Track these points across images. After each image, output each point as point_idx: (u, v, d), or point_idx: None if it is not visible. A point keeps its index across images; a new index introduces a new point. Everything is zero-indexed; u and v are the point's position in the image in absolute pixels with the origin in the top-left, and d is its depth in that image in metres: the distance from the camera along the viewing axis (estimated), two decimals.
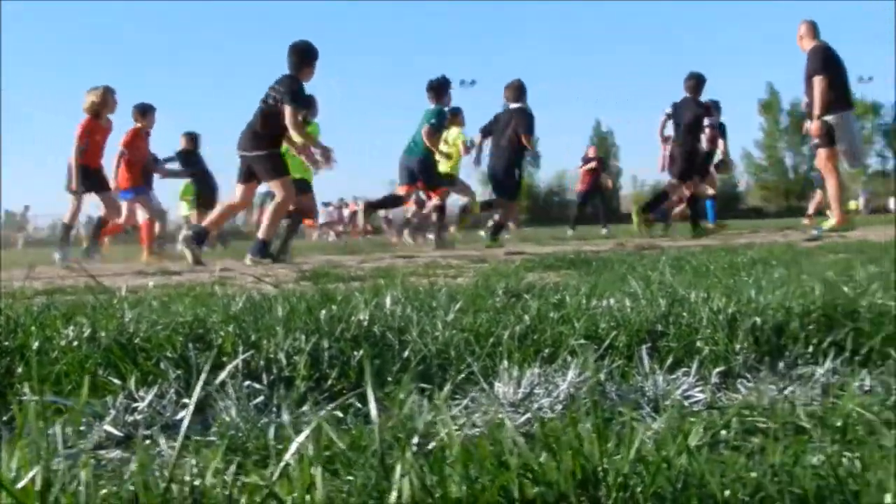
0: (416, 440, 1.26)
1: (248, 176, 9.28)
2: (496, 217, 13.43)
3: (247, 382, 1.80)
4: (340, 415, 1.65)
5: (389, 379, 1.92)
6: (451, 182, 13.98)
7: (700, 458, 0.96)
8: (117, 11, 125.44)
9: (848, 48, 11.67)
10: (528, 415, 1.61)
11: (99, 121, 11.81)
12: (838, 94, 11.01)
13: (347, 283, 4.47)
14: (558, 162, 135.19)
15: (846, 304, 2.35)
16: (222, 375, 1.69)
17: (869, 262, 4.24)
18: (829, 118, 11.00)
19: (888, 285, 2.79)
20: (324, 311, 2.37)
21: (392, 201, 13.80)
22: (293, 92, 9.11)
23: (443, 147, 13.25)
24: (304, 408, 1.67)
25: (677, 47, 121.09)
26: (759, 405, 1.56)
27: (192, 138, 16.25)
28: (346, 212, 42.93)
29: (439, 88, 12.55)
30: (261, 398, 1.76)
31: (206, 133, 16.35)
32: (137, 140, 12.89)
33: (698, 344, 2.10)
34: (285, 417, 1.48)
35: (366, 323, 2.31)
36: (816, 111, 11.01)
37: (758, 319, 2.17)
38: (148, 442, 1.49)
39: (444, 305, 2.65)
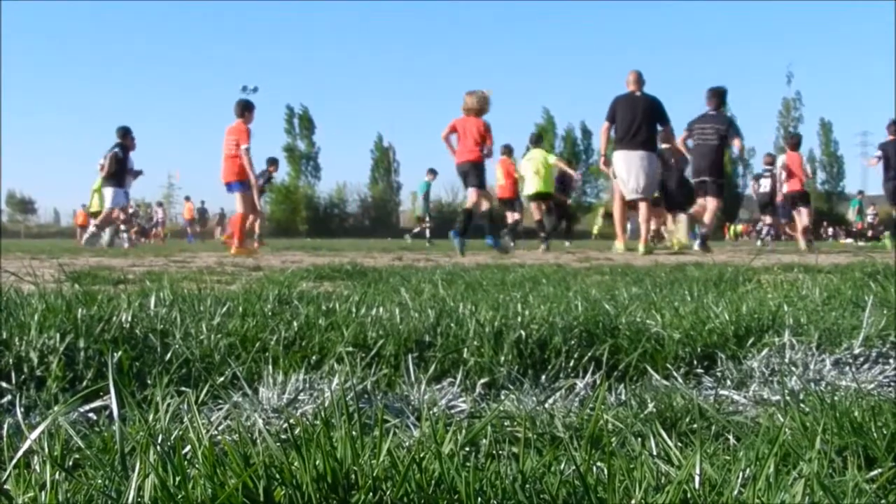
0: (168, 443, 1.21)
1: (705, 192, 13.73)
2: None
3: None
4: (94, 417, 1.58)
5: (150, 382, 1.86)
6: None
7: (452, 464, 0.96)
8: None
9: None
10: (291, 420, 1.58)
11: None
12: (619, 137, 12.78)
13: (115, 286, 4.30)
14: (339, 174, 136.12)
15: (607, 322, 2.44)
16: None
17: (632, 284, 4.45)
18: (614, 156, 12.99)
19: (647, 305, 2.93)
20: (82, 311, 2.26)
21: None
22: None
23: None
24: (55, 408, 1.58)
25: (461, 63, 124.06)
26: (519, 415, 1.59)
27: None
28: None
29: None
30: (7, 398, 1.69)
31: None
32: None
33: (464, 355, 2.13)
34: (19, 417, 1.38)
35: (128, 324, 2.22)
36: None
37: (522, 333, 2.22)
38: None
39: (210, 309, 2.59)
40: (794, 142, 19.43)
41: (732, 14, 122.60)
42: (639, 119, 12.56)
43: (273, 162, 22.02)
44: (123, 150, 18.46)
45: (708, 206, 13.71)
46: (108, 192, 18.62)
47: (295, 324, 2.36)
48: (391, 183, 77.73)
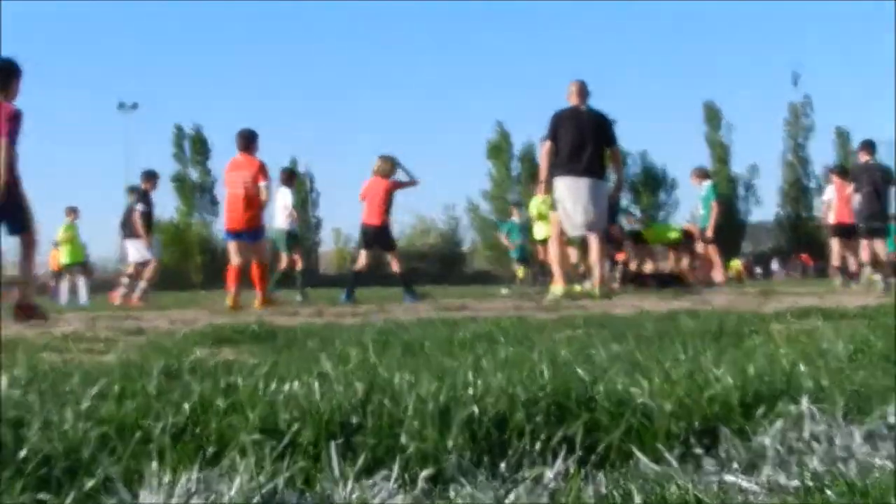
0: None
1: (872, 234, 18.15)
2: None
3: None
4: None
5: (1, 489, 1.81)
6: None
7: None
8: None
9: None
10: None
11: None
12: (562, 160, 12.85)
13: None
14: None
15: (581, 391, 2.43)
16: None
17: (611, 340, 4.44)
18: (555, 182, 12.97)
19: (631, 368, 2.92)
20: None
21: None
22: None
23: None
24: None
25: (387, 76, 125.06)
26: None
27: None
28: None
29: None
30: None
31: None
32: None
33: (402, 440, 2.10)
34: None
35: None
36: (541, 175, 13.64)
37: (475, 409, 2.21)
38: None
39: (78, 389, 2.55)
40: (843, 168, 21.89)
41: (720, 9, 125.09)
42: (586, 139, 12.76)
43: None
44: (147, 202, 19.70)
45: (879, 248, 18.09)
46: (140, 244, 19.56)
47: (186, 406, 2.33)
48: (308, 219, 77.22)
